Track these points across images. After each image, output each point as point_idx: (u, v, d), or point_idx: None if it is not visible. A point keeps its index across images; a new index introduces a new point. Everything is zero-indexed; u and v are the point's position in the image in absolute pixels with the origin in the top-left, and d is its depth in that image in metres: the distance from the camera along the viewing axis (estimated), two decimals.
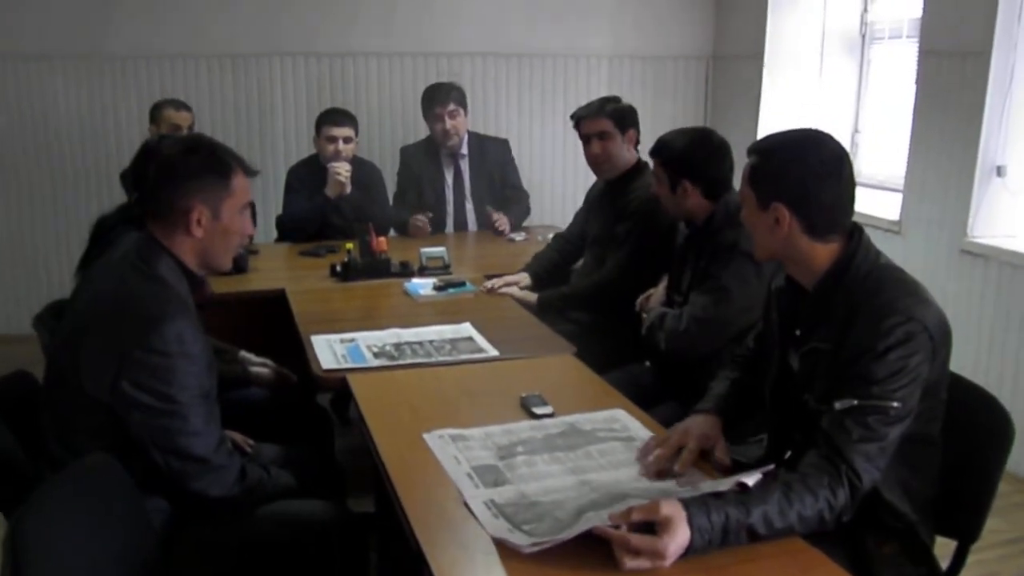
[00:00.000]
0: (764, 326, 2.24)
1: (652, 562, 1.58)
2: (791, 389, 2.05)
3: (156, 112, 4.37)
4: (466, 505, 1.81)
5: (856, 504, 1.78)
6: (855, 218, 1.99)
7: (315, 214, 4.38)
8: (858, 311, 1.87)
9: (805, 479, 1.76)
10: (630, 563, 1.58)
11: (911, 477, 1.94)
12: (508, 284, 3.56)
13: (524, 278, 3.65)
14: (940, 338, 1.87)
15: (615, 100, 3.62)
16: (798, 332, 2.03)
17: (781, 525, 1.69)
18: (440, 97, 4.57)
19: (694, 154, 2.88)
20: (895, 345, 1.80)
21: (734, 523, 1.65)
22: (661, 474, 1.95)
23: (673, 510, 1.62)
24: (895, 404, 1.80)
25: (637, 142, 3.59)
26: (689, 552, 1.61)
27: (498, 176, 4.77)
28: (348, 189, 4.33)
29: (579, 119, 3.61)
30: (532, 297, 3.49)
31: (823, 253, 1.94)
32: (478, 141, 4.77)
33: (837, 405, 1.83)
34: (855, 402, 1.82)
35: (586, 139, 3.58)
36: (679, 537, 1.60)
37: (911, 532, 1.95)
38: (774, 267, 2.23)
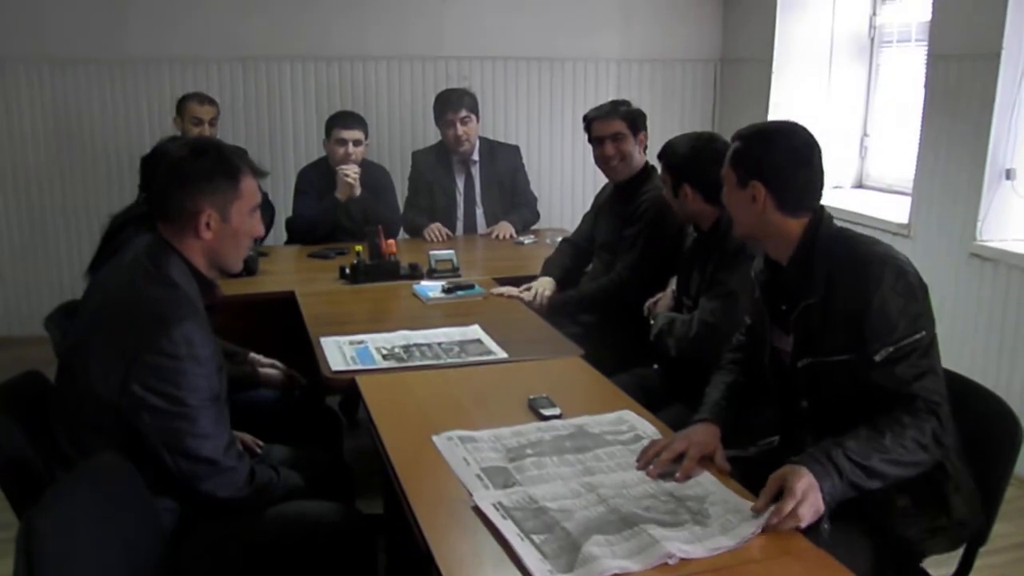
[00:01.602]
0: (752, 314, 2.34)
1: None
2: (785, 366, 2.17)
3: (181, 104, 4.46)
4: (474, 508, 1.82)
5: (949, 428, 1.94)
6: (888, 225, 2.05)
7: (325, 216, 4.39)
8: (838, 268, 2.04)
9: (887, 417, 1.92)
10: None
11: None
12: (537, 296, 3.51)
13: (549, 282, 3.61)
14: (920, 281, 2.03)
15: (626, 103, 3.62)
16: (784, 307, 2.15)
17: (880, 454, 1.87)
18: (452, 103, 4.58)
19: (695, 158, 2.90)
20: (891, 285, 1.97)
21: (833, 449, 1.84)
22: (664, 475, 1.97)
23: (786, 469, 1.83)
24: (922, 333, 1.97)
25: (646, 146, 3.59)
26: (825, 494, 1.79)
27: (508, 182, 4.77)
28: (357, 191, 4.34)
29: (591, 120, 3.61)
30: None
31: (794, 227, 2.11)
32: (489, 147, 4.78)
33: (877, 358, 1.96)
34: (891, 348, 1.96)
35: (598, 140, 3.57)
36: (804, 492, 1.78)
37: (927, 483, 1.98)
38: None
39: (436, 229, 4.53)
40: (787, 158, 2.10)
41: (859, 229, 2.17)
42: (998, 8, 3.80)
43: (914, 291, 1.99)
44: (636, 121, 3.56)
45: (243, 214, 2.18)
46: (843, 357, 2.02)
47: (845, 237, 2.10)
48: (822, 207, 2.14)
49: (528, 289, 3.55)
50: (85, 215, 5.36)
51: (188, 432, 2.02)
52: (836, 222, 2.14)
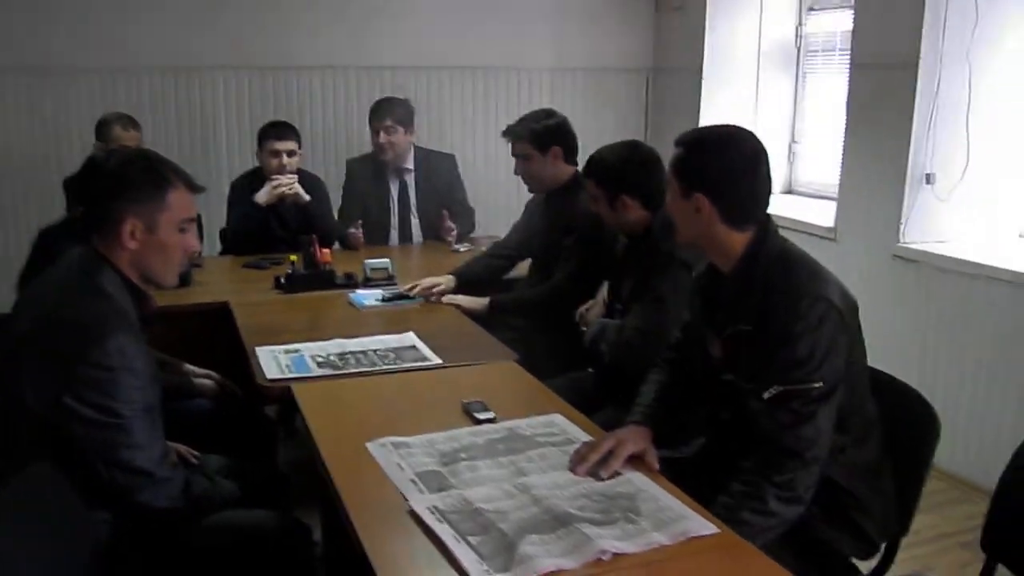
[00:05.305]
0: (690, 314, 2.36)
1: None
2: (713, 372, 2.18)
3: (104, 129, 4.25)
4: (410, 513, 1.84)
5: (808, 481, 1.95)
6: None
7: (248, 223, 4.36)
8: (772, 292, 2.01)
9: (749, 476, 1.96)
10: None
11: (839, 440, 2.05)
12: (433, 286, 3.57)
13: (441, 280, 3.63)
14: (847, 310, 2.02)
15: (546, 116, 3.67)
16: (718, 317, 2.15)
17: (746, 517, 1.90)
18: (379, 113, 4.60)
19: (627, 167, 2.94)
20: (809, 328, 1.95)
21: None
22: (594, 474, 2.01)
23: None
24: (816, 384, 1.95)
25: (567, 157, 3.62)
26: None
27: (445, 191, 4.78)
28: (305, 198, 4.32)
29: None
30: (480, 304, 3.51)
31: (739, 240, 2.08)
32: (424, 156, 4.78)
33: (765, 395, 1.98)
34: (780, 388, 1.97)
35: (515, 157, 3.66)
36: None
37: (832, 495, 2.04)
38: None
39: (352, 231, 4.52)
40: (732, 168, 2.06)
41: (788, 234, 2.16)
42: (914, 19, 3.92)
43: (831, 340, 1.96)
44: (543, 138, 3.58)
45: (171, 227, 2.15)
46: (752, 387, 2.04)
47: (786, 260, 2.06)
48: (768, 218, 2.11)
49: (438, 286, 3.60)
50: (15, 226, 5.24)
51: (122, 443, 2.01)
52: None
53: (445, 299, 3.53)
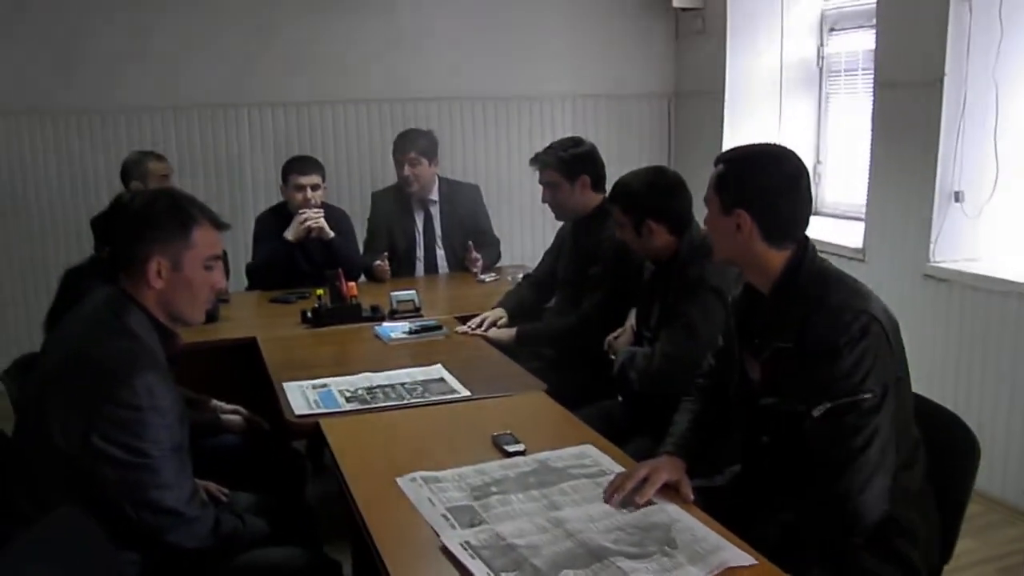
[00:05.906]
0: (724, 339, 2.32)
1: None
2: (751, 396, 2.14)
3: (138, 167, 4.29)
4: (442, 549, 1.81)
5: (875, 485, 1.90)
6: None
7: (276, 257, 4.37)
8: (813, 310, 1.97)
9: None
10: None
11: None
12: (486, 323, 3.58)
13: (500, 313, 3.66)
14: (890, 326, 1.97)
15: (574, 144, 3.65)
16: (756, 340, 2.12)
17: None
18: (403, 145, 4.62)
19: (652, 193, 2.92)
20: (853, 340, 1.91)
21: None
22: (628, 504, 1.98)
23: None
24: (866, 395, 1.90)
25: (595, 185, 3.60)
26: None
27: (469, 222, 4.78)
28: (329, 234, 4.33)
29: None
30: (508, 334, 3.50)
31: (777, 258, 2.05)
32: (449, 187, 4.79)
33: (815, 413, 1.93)
34: (828, 404, 1.91)
35: (543, 185, 3.64)
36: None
37: (877, 524, 1.98)
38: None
39: (378, 263, 4.52)
40: (774, 185, 2.04)
41: None
42: (938, 37, 3.89)
43: (876, 351, 1.91)
44: (572, 166, 3.57)
45: (197, 264, 2.15)
46: (801, 408, 1.99)
47: (825, 278, 2.03)
48: (807, 238, 2.08)
49: (481, 323, 3.60)
50: (43, 266, 5.28)
51: (151, 483, 2.00)
52: None
53: (466, 330, 3.53)
